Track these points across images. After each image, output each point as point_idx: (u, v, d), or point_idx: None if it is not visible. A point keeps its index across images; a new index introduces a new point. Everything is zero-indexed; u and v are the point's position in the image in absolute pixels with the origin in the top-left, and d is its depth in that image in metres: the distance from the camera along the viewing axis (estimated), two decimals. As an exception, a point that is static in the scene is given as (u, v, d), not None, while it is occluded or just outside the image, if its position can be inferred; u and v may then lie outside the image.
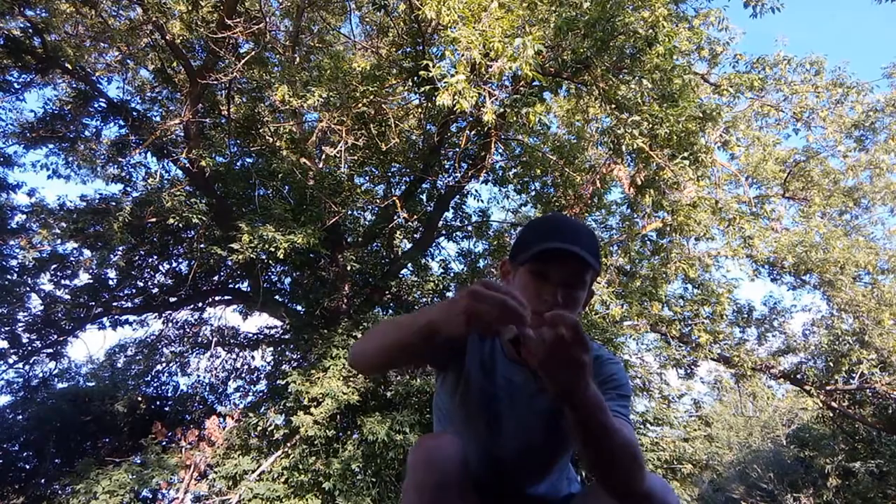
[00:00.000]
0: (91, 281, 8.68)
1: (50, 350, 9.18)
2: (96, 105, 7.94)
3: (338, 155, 6.95)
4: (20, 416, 9.31)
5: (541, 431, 1.25)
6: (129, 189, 8.42)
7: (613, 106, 6.16)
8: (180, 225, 7.24)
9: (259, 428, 7.31)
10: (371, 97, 6.40)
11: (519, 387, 1.24)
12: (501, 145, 8.67)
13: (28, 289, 8.49)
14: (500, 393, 1.24)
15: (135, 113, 7.77)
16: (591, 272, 1.15)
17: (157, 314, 9.86)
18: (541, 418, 1.23)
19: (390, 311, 8.70)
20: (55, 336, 8.88)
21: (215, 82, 6.71)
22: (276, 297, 9.19)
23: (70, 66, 7.13)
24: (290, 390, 6.90)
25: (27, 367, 9.36)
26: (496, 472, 1.26)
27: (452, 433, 1.24)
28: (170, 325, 10.27)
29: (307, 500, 6.52)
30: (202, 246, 7.95)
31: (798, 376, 9.64)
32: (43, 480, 8.59)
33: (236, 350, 10.43)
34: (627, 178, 8.18)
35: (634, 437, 1.08)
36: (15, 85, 7.71)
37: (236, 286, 9.85)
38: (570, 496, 1.35)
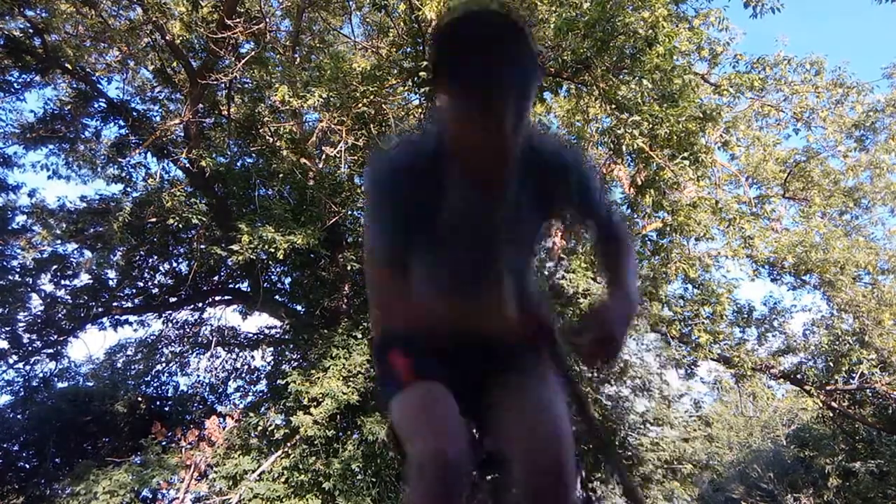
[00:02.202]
0: (91, 281, 8.69)
1: (50, 350, 9.18)
2: (96, 105, 7.95)
3: (338, 155, 6.95)
4: (20, 416, 9.32)
5: (503, 237, 1.21)
6: (129, 189, 8.43)
7: (613, 106, 6.16)
8: (180, 225, 7.24)
9: (259, 428, 7.31)
10: (371, 97, 6.40)
11: (475, 196, 1.15)
12: (501, 145, 8.65)
13: (28, 289, 8.49)
14: (457, 203, 1.16)
15: (135, 113, 7.78)
16: (516, 92, 1.00)
17: (157, 314, 9.86)
18: (502, 214, 1.18)
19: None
20: (55, 336, 8.89)
21: (215, 82, 6.71)
22: (276, 297, 9.19)
23: (70, 66, 7.13)
24: (289, 390, 6.89)
25: (27, 367, 9.37)
26: (468, 293, 1.22)
27: (440, 390, 1.14)
28: (170, 325, 10.27)
29: (307, 500, 6.52)
30: (202, 246, 7.95)
31: (798, 376, 9.63)
32: (43, 480, 8.60)
33: (236, 350, 10.43)
34: (627, 178, 8.18)
35: (624, 234, 1.31)
36: (15, 85, 7.72)
37: (236, 286, 9.85)
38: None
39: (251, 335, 10.41)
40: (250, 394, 9.80)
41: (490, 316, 1.23)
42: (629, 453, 9.21)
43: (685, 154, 6.14)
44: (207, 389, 10.21)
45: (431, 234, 1.18)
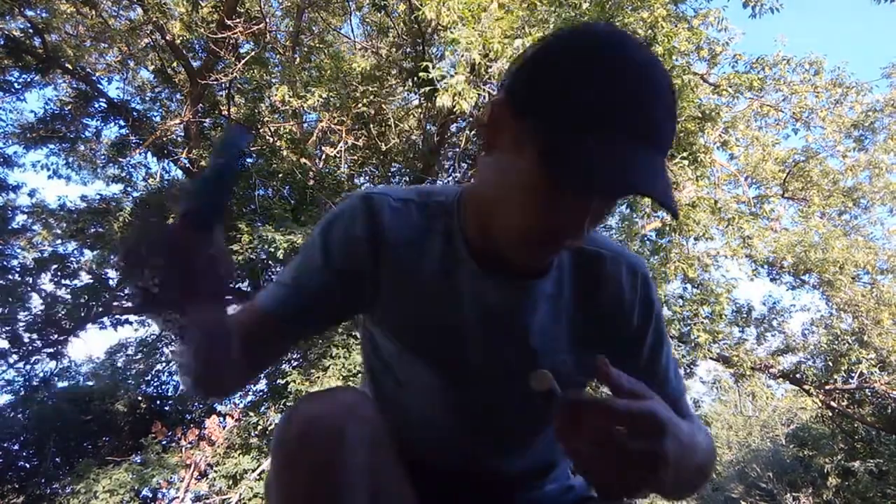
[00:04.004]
0: (91, 281, 8.70)
1: (50, 349, 9.19)
2: (96, 105, 7.97)
3: (338, 155, 6.96)
4: (20, 416, 9.33)
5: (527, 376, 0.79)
6: (129, 189, 8.45)
7: (613, 106, 6.16)
8: (180, 225, 7.25)
9: (259, 427, 7.33)
10: (371, 97, 6.42)
11: (495, 310, 0.78)
12: (501, 145, 8.67)
13: (29, 288, 8.51)
14: (467, 320, 0.79)
15: (135, 113, 7.80)
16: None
17: (157, 314, 9.87)
18: (530, 356, 0.79)
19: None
20: (56, 335, 8.89)
21: (215, 82, 6.72)
22: (277, 296, 9.18)
23: (70, 67, 7.15)
24: (289, 389, 6.91)
25: (28, 367, 9.39)
26: (456, 443, 0.86)
27: (357, 390, 0.82)
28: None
29: (307, 499, 6.52)
30: (202, 246, 7.95)
31: (797, 376, 9.65)
32: (43, 480, 8.60)
33: (236, 349, 10.43)
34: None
35: (708, 440, 0.74)
36: (15, 85, 7.73)
37: (236, 286, 9.86)
38: (568, 489, 0.94)
39: (251, 334, 10.41)
40: (250, 393, 9.80)
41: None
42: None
43: (684, 154, 6.16)
44: (208, 389, 10.23)
45: (404, 337, 0.82)
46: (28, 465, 9.14)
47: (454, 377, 0.81)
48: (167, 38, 6.71)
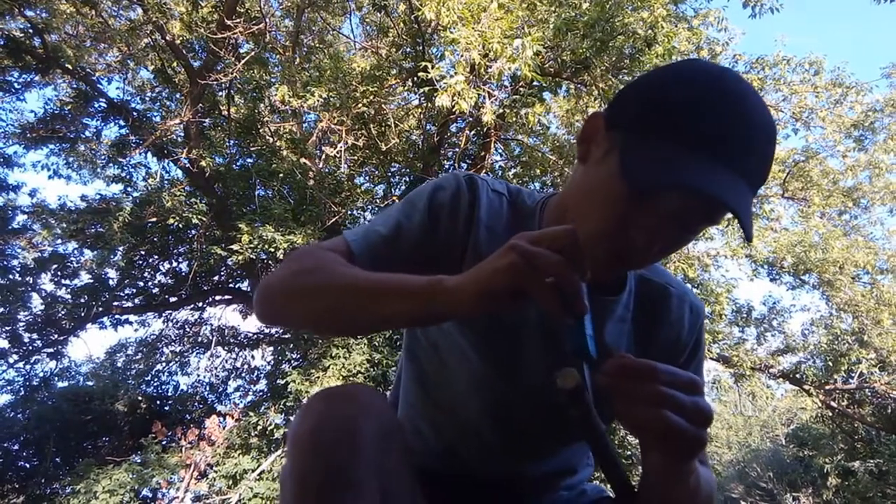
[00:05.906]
0: (91, 281, 8.72)
1: (50, 349, 9.20)
2: (96, 105, 7.97)
3: (338, 155, 6.96)
4: (21, 416, 9.33)
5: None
6: (129, 189, 8.46)
7: (613, 106, 6.16)
8: (180, 225, 7.26)
9: (259, 427, 7.33)
10: (371, 97, 6.41)
11: (543, 318, 0.81)
12: (501, 145, 8.69)
13: (29, 288, 8.51)
14: (527, 318, 0.81)
15: (135, 113, 7.79)
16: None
17: (157, 314, 9.88)
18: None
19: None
20: (56, 335, 8.90)
21: (215, 82, 6.72)
22: (276, 296, 9.18)
23: (70, 67, 7.15)
24: (290, 390, 6.91)
25: (28, 367, 9.40)
26: (482, 436, 0.86)
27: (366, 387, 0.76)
28: (170, 324, 10.29)
29: (307, 499, 6.51)
30: (202, 246, 7.97)
31: (797, 376, 9.65)
32: (43, 480, 8.61)
33: (236, 349, 10.44)
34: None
35: (712, 479, 0.75)
36: (15, 85, 7.74)
37: (236, 286, 9.87)
38: (581, 493, 0.96)
39: (251, 334, 10.43)
40: (250, 393, 9.82)
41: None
42: (629, 453, 9.24)
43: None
44: (207, 389, 10.24)
45: (462, 332, 0.82)
46: (28, 465, 9.15)
47: (502, 369, 0.82)
48: (167, 38, 6.71)
